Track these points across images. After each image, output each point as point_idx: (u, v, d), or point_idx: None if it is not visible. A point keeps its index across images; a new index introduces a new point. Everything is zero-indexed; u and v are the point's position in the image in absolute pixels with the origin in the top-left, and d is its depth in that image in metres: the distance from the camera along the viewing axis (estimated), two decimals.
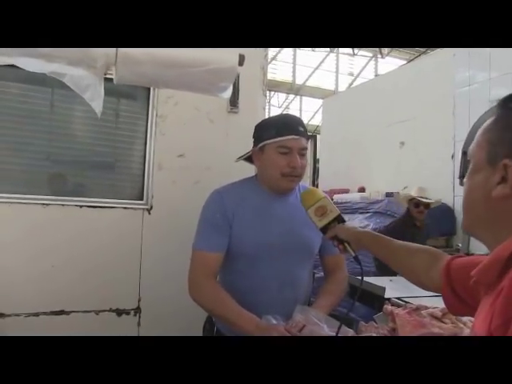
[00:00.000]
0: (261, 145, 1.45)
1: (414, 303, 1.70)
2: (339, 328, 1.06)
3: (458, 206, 3.53)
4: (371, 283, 2.15)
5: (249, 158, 1.56)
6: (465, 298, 0.84)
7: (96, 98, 1.17)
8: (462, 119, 3.62)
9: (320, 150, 5.59)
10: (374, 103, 4.70)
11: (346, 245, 1.15)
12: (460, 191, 3.07)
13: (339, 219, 1.18)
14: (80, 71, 1.15)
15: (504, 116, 0.71)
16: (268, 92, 4.93)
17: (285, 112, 9.40)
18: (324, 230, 1.19)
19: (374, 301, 1.96)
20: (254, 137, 1.51)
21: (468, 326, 1.00)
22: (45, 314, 1.98)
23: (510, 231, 0.67)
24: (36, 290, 1.97)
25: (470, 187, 0.74)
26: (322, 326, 1.16)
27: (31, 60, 1.09)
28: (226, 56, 1.28)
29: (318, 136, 5.87)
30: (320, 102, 7.04)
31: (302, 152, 1.44)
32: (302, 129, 1.44)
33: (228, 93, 1.40)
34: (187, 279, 1.44)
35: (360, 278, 1.13)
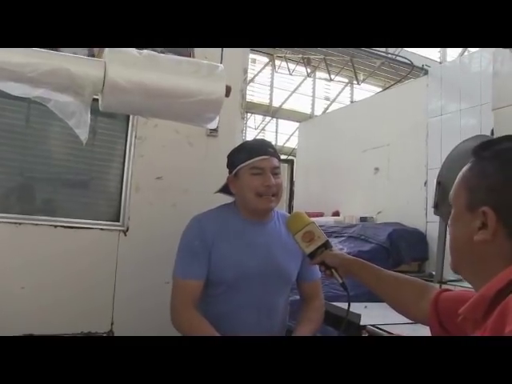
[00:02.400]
0: (235, 171, 1.48)
1: (390, 331, 1.72)
2: None
3: (430, 231, 3.60)
4: (344, 309, 2.15)
5: (226, 190, 1.58)
6: (451, 332, 0.87)
7: (82, 126, 1.16)
8: (434, 147, 3.72)
9: (296, 173, 5.64)
10: (350, 128, 4.79)
11: (334, 271, 1.16)
12: (432, 218, 3.16)
13: (327, 245, 1.20)
14: (66, 97, 1.14)
15: (478, 164, 0.75)
16: (245, 114, 4.98)
17: (261, 134, 9.50)
18: (311, 255, 1.20)
19: (350, 328, 1.97)
20: (228, 166, 1.54)
21: None
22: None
23: (492, 272, 0.70)
24: (4, 313, 1.90)
25: (454, 233, 0.78)
26: None
27: (16, 85, 1.08)
28: (213, 87, 1.30)
29: (294, 159, 5.93)
30: (296, 124, 7.14)
31: (274, 171, 1.47)
32: (271, 150, 1.49)
33: (214, 123, 1.41)
34: (165, 303, 1.43)
35: (346, 304, 1.13)
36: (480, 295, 0.71)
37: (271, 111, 9.07)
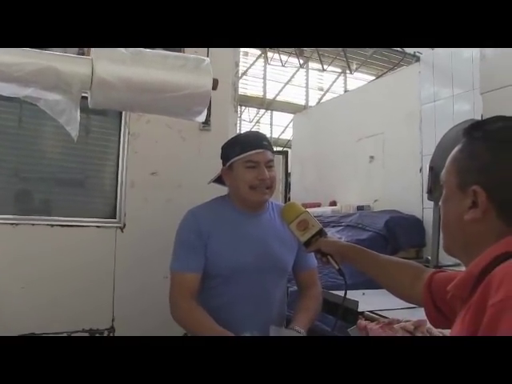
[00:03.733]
0: (229, 163, 1.49)
1: (387, 316, 1.74)
2: None
3: (427, 218, 3.61)
4: (341, 296, 2.16)
5: (220, 180, 1.59)
6: (445, 312, 0.88)
7: (72, 123, 1.17)
8: (428, 134, 3.72)
9: (291, 165, 5.64)
10: (344, 118, 4.78)
11: (330, 258, 1.17)
12: (429, 204, 3.17)
13: (321, 233, 1.21)
14: (55, 96, 1.14)
15: (468, 144, 0.76)
16: (239, 107, 4.97)
17: (256, 127, 9.48)
18: (307, 243, 1.22)
19: (348, 314, 1.99)
20: (221, 158, 1.55)
21: None
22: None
23: (481, 251, 0.71)
24: (5, 313, 1.91)
25: (445, 212, 0.79)
26: None
27: (5, 85, 1.08)
28: (200, 81, 1.30)
29: (289, 151, 5.92)
30: (291, 116, 7.13)
31: (268, 164, 1.48)
32: (265, 143, 1.49)
33: (202, 117, 1.42)
34: (165, 297, 1.45)
35: (343, 291, 1.15)
36: (466, 272, 0.72)
37: (265, 104, 9.05)
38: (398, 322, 1.12)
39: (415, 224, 3.71)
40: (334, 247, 1.18)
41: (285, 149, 6.73)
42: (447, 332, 0.95)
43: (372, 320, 1.39)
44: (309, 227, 1.21)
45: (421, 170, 3.81)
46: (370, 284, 2.74)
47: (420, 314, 1.95)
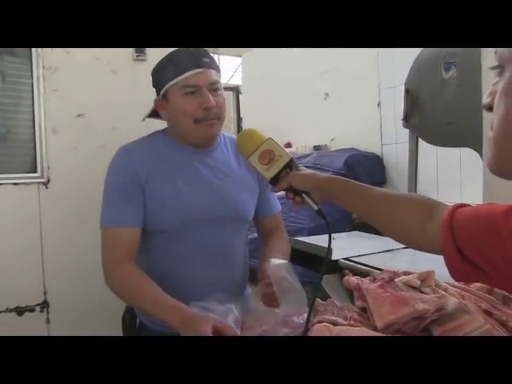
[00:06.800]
0: (162, 91, 1.17)
1: (365, 263, 1.53)
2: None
3: (386, 155, 3.53)
4: (311, 243, 1.95)
5: (156, 114, 1.26)
6: (477, 262, 0.62)
7: None
8: (385, 66, 3.53)
9: (243, 109, 5.40)
10: (295, 55, 4.50)
11: (305, 196, 0.89)
12: (388, 140, 3.00)
13: (292, 165, 0.92)
14: None
15: None
16: None
17: None
18: (274, 180, 0.92)
19: (320, 264, 1.77)
20: (153, 86, 1.22)
21: (451, 293, 0.81)
22: None
23: None
24: None
25: (508, 109, 0.51)
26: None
27: None
28: None
29: (240, 95, 5.65)
30: (239, 60, 6.73)
31: (213, 87, 1.17)
32: (206, 59, 1.17)
33: None
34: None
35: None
36: None
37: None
38: (397, 275, 0.88)
39: (375, 161, 3.61)
40: (310, 182, 0.89)
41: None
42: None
43: (354, 272, 1.15)
44: (275, 159, 0.92)
45: (379, 104, 3.66)
46: (337, 226, 2.57)
47: (405, 257, 1.79)
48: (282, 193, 0.99)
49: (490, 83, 0.56)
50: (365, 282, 0.85)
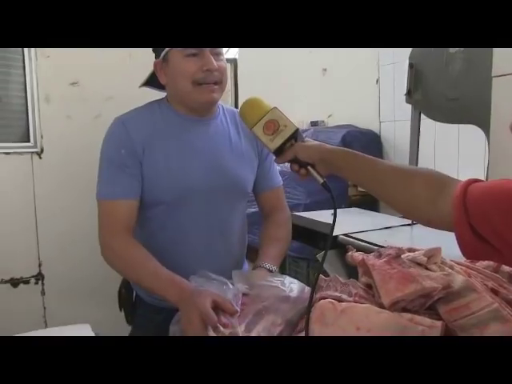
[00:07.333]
0: (163, 53, 1.12)
1: (364, 240, 1.51)
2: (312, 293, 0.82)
3: (384, 132, 3.51)
4: (311, 218, 1.93)
5: (155, 82, 1.21)
6: (492, 240, 0.60)
7: None
8: None
9: (239, 84, 5.32)
10: None
11: (310, 168, 0.86)
12: (386, 117, 2.97)
13: (297, 135, 0.89)
14: None
15: None
16: None
17: None
18: (278, 151, 0.89)
19: (318, 239, 1.76)
20: (152, 49, 1.18)
21: (457, 271, 0.79)
22: None
23: None
24: None
25: None
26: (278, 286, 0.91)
27: None
28: None
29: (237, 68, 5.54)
30: None
31: (216, 51, 1.14)
32: None
33: None
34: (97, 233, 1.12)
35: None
36: None
37: None
38: (403, 252, 0.85)
39: (372, 138, 3.58)
40: (316, 153, 0.86)
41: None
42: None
43: (352, 246, 1.13)
44: (280, 129, 0.88)
45: (377, 81, 3.61)
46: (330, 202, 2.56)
47: (404, 234, 1.78)
48: (281, 169, 0.96)
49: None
50: (370, 258, 0.82)
